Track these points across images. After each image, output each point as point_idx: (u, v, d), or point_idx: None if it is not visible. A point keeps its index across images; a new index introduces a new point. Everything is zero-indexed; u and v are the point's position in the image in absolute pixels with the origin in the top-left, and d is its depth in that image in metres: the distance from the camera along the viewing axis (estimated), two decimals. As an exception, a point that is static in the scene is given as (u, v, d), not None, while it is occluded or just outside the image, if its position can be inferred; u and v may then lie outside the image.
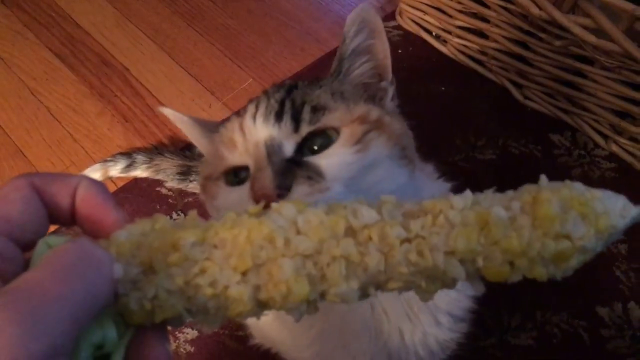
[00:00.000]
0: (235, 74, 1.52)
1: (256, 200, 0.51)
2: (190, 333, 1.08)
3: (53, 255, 0.31)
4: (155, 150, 1.31)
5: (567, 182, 0.37)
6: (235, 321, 0.97)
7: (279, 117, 0.57)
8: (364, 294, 0.37)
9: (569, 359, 1.03)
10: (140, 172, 1.28)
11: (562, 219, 0.35)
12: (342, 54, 0.65)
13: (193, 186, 1.24)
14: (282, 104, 0.59)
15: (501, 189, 0.39)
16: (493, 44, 1.35)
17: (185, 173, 1.24)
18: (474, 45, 1.41)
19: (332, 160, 0.55)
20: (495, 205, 0.37)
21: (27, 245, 0.34)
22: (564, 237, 0.35)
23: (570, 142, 1.31)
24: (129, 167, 1.27)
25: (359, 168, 0.56)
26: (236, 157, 0.58)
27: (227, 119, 0.65)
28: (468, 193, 0.38)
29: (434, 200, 0.38)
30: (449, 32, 1.45)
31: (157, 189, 1.28)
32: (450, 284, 0.37)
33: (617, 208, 0.36)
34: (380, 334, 0.71)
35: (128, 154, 1.30)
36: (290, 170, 0.53)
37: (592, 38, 1.02)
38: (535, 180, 0.38)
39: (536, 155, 1.29)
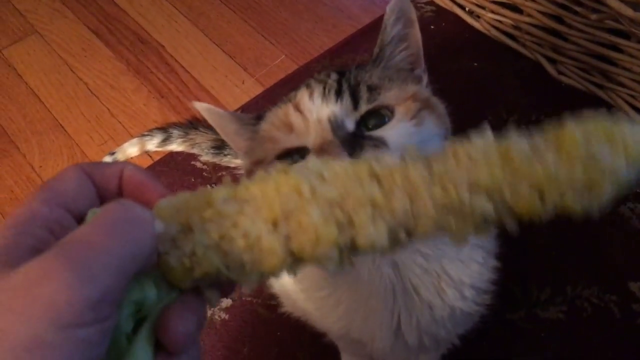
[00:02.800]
0: (268, 51, 1.53)
1: None
2: (225, 301, 1.11)
3: (100, 214, 0.34)
4: (190, 125, 1.33)
5: (592, 117, 0.36)
6: (268, 290, 1.00)
7: (338, 95, 0.60)
8: (394, 239, 0.37)
9: (598, 333, 1.04)
10: (175, 146, 1.30)
11: (587, 144, 0.35)
12: (383, 41, 0.67)
13: (227, 160, 1.27)
14: (339, 84, 0.61)
15: None
16: (527, 19, 1.33)
17: (219, 147, 1.27)
18: (508, 20, 1.39)
19: (394, 132, 0.59)
20: (516, 140, 0.37)
21: (81, 218, 0.37)
22: (591, 161, 0.34)
23: (604, 118, 1.29)
24: (165, 141, 1.30)
25: (417, 141, 0.59)
26: (292, 139, 0.60)
27: (268, 110, 0.67)
28: (489, 132, 0.38)
29: (454, 143, 0.38)
30: (483, 7, 1.44)
31: (192, 162, 1.31)
32: (481, 225, 0.37)
33: None
34: (411, 309, 0.72)
35: (164, 128, 1.32)
36: (357, 141, 0.56)
37: (629, 11, 1.01)
38: None
39: (569, 131, 1.28)
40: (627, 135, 0.35)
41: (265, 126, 0.65)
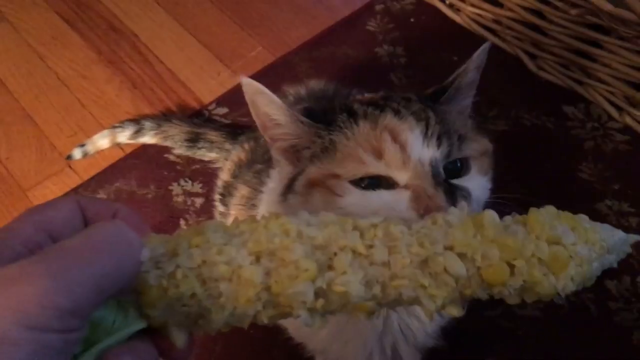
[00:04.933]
0: (245, 42, 1.50)
1: (425, 213, 0.55)
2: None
3: (92, 229, 0.36)
4: (163, 117, 1.30)
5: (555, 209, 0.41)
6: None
7: (439, 140, 0.60)
8: (369, 292, 0.38)
9: (575, 331, 1.03)
10: (148, 139, 1.28)
11: (551, 225, 0.38)
12: (460, 83, 0.68)
13: (201, 153, 1.24)
14: (439, 125, 0.62)
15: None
16: (508, 13, 1.32)
17: (193, 140, 1.24)
18: (488, 14, 1.38)
19: (473, 185, 0.62)
20: (490, 213, 0.40)
21: None
22: (555, 242, 0.38)
23: (583, 114, 1.28)
24: (137, 133, 1.27)
25: (487, 193, 0.64)
26: (381, 167, 0.60)
27: (339, 119, 0.64)
28: (464, 204, 0.43)
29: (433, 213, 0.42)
30: (463, 1, 1.43)
31: (165, 155, 1.28)
32: (452, 294, 0.39)
33: (605, 228, 0.40)
34: (406, 327, 0.73)
35: (136, 120, 1.29)
36: (452, 191, 0.58)
37: (608, 6, 1.00)
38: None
39: (549, 127, 1.27)
40: (588, 227, 0.40)
41: (344, 140, 0.63)
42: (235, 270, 0.37)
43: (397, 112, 0.63)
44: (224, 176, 1.07)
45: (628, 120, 1.24)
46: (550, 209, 0.40)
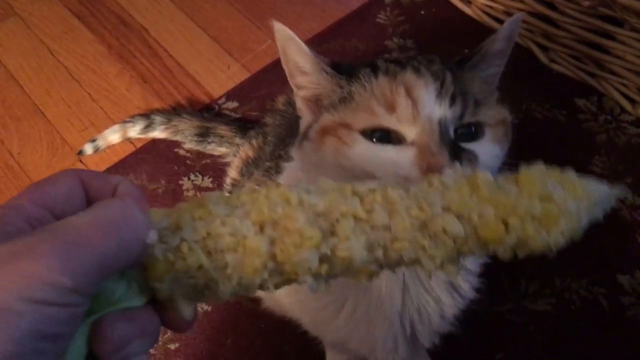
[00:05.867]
0: (254, 35, 1.50)
1: (427, 170, 0.56)
2: (208, 293, 1.09)
3: (100, 206, 0.35)
4: (173, 112, 1.30)
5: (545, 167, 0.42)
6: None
7: (453, 101, 0.61)
8: (372, 255, 0.39)
9: (587, 326, 1.03)
10: (158, 133, 1.28)
11: (542, 183, 0.40)
12: (487, 51, 0.68)
13: (211, 148, 1.24)
14: (455, 86, 0.62)
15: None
16: (519, 5, 1.31)
17: (203, 134, 1.24)
18: (499, 6, 1.37)
19: (483, 151, 0.61)
20: (484, 172, 0.41)
21: None
22: (546, 199, 0.39)
23: (596, 107, 1.27)
24: (147, 128, 1.27)
25: (498, 162, 0.64)
26: (392, 121, 0.60)
27: (359, 70, 0.66)
28: (458, 165, 0.44)
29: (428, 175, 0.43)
30: (474, -7, 1.41)
31: (175, 150, 1.28)
32: (451, 252, 0.40)
33: (591, 183, 0.41)
34: (422, 310, 0.73)
35: (146, 115, 1.29)
36: (457, 151, 0.58)
37: (622, -3, 0.98)
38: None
39: (560, 120, 1.26)
40: (576, 183, 0.41)
41: (361, 91, 0.64)
42: (241, 241, 0.37)
43: (416, 70, 0.63)
44: (232, 173, 1.07)
45: (641, 112, 1.23)
46: (540, 167, 0.42)
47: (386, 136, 0.60)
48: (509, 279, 1.07)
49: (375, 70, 0.65)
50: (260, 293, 0.98)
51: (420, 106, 0.60)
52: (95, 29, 1.53)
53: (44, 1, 1.59)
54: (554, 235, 0.39)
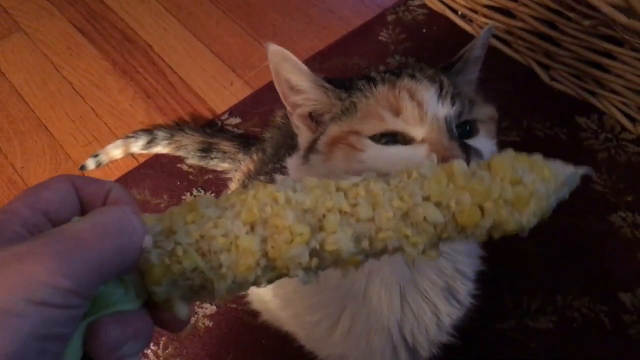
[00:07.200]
0: (257, 52, 1.51)
1: (445, 160, 0.57)
2: (209, 308, 1.09)
3: (98, 212, 0.37)
4: (176, 127, 1.31)
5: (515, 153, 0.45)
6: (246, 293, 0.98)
7: (453, 100, 0.64)
8: (359, 247, 0.41)
9: (589, 344, 1.02)
10: (161, 149, 1.28)
11: (513, 168, 0.42)
12: (468, 57, 0.74)
13: (214, 163, 1.24)
14: (453, 87, 0.66)
15: None
16: (520, 24, 1.32)
17: (206, 150, 1.25)
18: (501, 25, 1.38)
19: (483, 146, 0.65)
20: (458, 162, 0.43)
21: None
22: (517, 183, 0.42)
23: (596, 125, 1.28)
24: (150, 143, 1.28)
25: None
26: (399, 123, 0.63)
27: (359, 81, 0.69)
28: (434, 157, 0.46)
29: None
30: (475, 11, 1.43)
31: (178, 165, 1.29)
32: (432, 239, 0.42)
33: (558, 165, 0.44)
34: (420, 318, 0.74)
35: (149, 130, 1.30)
36: (466, 146, 0.61)
37: (622, 18, 0.99)
38: None
39: (561, 138, 1.27)
40: (544, 165, 0.43)
41: (364, 101, 0.67)
42: (233, 241, 0.39)
43: (412, 76, 0.67)
44: (233, 187, 1.07)
45: (642, 131, 1.24)
46: (509, 152, 0.44)
47: (393, 138, 0.63)
48: (510, 296, 1.07)
49: (371, 80, 0.68)
50: (257, 307, 0.98)
51: (425, 107, 0.63)
52: (100, 45, 1.54)
53: (49, 17, 1.61)
54: (526, 216, 0.41)
